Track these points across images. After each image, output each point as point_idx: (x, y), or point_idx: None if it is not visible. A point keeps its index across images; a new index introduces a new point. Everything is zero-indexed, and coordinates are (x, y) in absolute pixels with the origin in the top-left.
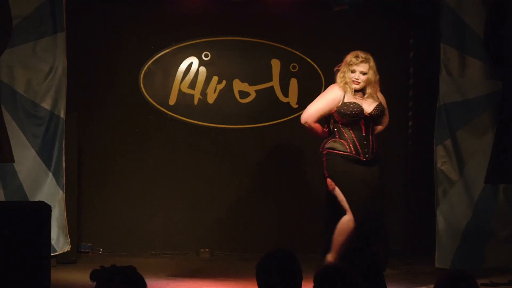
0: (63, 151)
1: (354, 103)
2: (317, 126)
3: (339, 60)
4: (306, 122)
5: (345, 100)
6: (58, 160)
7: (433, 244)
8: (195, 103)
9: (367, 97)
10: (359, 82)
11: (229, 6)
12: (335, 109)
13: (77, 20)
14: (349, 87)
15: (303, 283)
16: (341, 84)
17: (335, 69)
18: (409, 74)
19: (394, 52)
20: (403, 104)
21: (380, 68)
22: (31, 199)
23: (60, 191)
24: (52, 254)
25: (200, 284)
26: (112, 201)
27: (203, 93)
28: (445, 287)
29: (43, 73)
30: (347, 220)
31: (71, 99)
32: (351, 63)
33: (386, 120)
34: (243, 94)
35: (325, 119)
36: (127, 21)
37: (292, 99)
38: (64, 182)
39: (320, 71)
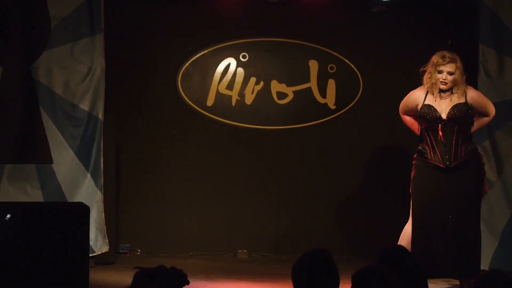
0: (101, 152)
1: (430, 106)
2: (410, 120)
3: (377, 60)
4: (400, 113)
5: (425, 102)
6: (96, 161)
7: None
8: (233, 104)
9: (454, 98)
10: (447, 83)
11: (266, 7)
12: (418, 111)
13: (115, 21)
14: (436, 87)
15: (340, 285)
16: (428, 85)
17: (420, 69)
18: None
19: (432, 53)
20: None
21: (418, 69)
22: (69, 200)
23: (98, 192)
24: (90, 255)
25: (238, 285)
26: (150, 202)
27: (241, 94)
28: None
29: (81, 74)
30: (405, 227)
31: (109, 100)
32: (438, 63)
33: (489, 110)
34: (281, 95)
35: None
36: (164, 22)
37: (330, 100)
38: (102, 183)
39: (358, 72)
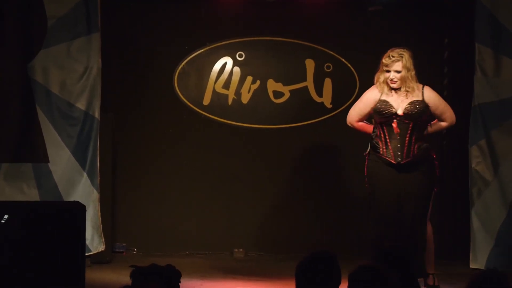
0: (98, 151)
1: (387, 102)
2: (361, 125)
3: (373, 60)
4: (349, 123)
5: (381, 98)
6: (93, 160)
7: (467, 244)
8: (229, 103)
9: (409, 94)
10: (396, 81)
11: (263, 7)
12: (374, 108)
13: (111, 20)
14: (386, 87)
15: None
16: (378, 84)
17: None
18: (443, 74)
19: (429, 52)
20: None
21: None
22: (65, 199)
23: (95, 191)
24: (86, 254)
25: (234, 284)
26: (146, 201)
27: (237, 93)
28: (478, 287)
29: (78, 74)
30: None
31: (106, 100)
32: (385, 64)
33: (447, 115)
34: (277, 94)
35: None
36: (161, 21)
37: (326, 99)
38: (99, 182)
39: (354, 71)
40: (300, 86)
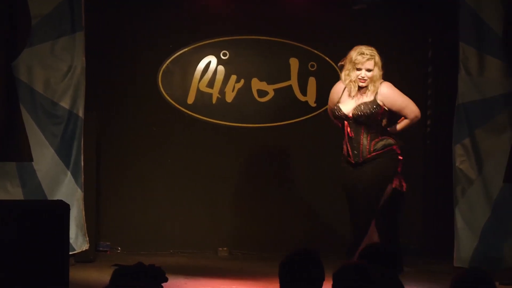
0: (82, 150)
1: (338, 107)
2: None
3: None
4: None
5: (341, 99)
6: (77, 159)
7: (452, 243)
8: (214, 102)
9: (369, 95)
10: (365, 80)
11: (247, 5)
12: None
13: (96, 19)
14: (354, 85)
15: (324, 283)
16: (346, 82)
17: (338, 64)
18: (427, 73)
19: (413, 51)
20: (422, 103)
21: (399, 67)
22: (49, 198)
23: (79, 190)
24: (70, 253)
25: (218, 283)
26: (130, 200)
27: (222, 92)
28: (462, 286)
29: (62, 72)
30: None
31: (90, 98)
32: (356, 61)
33: (407, 111)
34: (262, 93)
35: None
36: (145, 20)
37: (311, 98)
38: (83, 181)
39: (338, 70)
40: (284, 85)
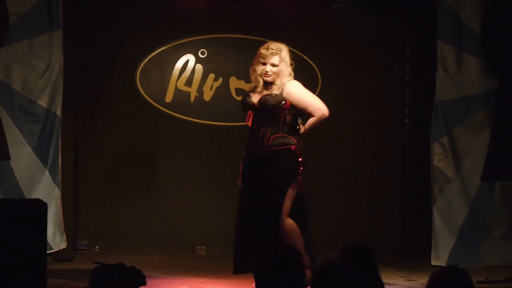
0: (60, 149)
1: (247, 94)
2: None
3: (335, 57)
4: None
5: (247, 90)
6: (55, 157)
7: (429, 241)
8: (192, 100)
9: (275, 90)
10: (270, 75)
11: (225, 3)
12: None
13: (74, 17)
14: (261, 79)
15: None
16: (252, 77)
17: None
18: (405, 71)
19: (391, 50)
20: (400, 102)
21: (377, 66)
22: (27, 196)
23: (57, 189)
24: (48, 252)
25: (196, 282)
26: (108, 198)
27: (200, 90)
28: (439, 284)
29: (40, 71)
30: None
31: (68, 97)
32: (262, 56)
33: (312, 109)
34: (240, 92)
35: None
36: (124, 18)
37: None
38: (61, 179)
39: (316, 68)
40: None
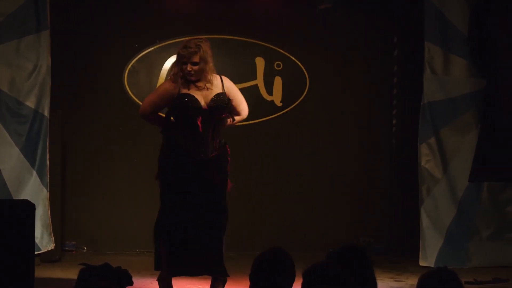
0: (47, 149)
1: (191, 96)
2: (156, 117)
3: (323, 58)
4: (142, 115)
5: (182, 92)
6: (42, 158)
7: (417, 242)
8: None
9: (204, 89)
10: (192, 73)
11: (213, 4)
12: (173, 102)
13: (61, 18)
14: (184, 79)
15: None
16: (175, 77)
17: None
18: (393, 72)
19: (378, 50)
20: (387, 103)
21: (365, 66)
22: (15, 197)
23: (44, 190)
24: (36, 253)
25: (185, 283)
26: (96, 199)
27: None
28: (428, 285)
29: (27, 71)
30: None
31: (55, 97)
32: (181, 55)
33: (242, 107)
34: None
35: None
36: (111, 19)
37: (277, 97)
38: (48, 180)
39: (304, 69)
40: (250, 84)
